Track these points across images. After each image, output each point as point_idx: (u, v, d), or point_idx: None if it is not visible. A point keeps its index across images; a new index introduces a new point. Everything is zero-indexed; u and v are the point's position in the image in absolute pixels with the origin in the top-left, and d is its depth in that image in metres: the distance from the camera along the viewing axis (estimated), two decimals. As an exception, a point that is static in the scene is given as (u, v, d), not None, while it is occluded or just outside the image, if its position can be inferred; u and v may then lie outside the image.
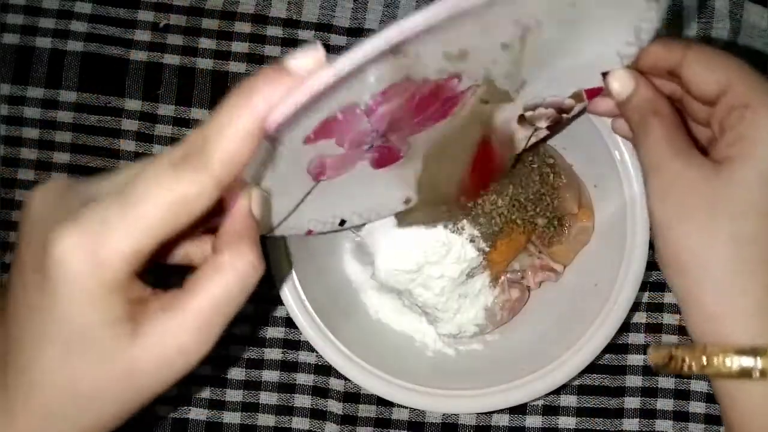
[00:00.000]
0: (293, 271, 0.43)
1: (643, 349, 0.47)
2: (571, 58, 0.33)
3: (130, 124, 0.48)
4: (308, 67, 0.25)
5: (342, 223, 0.39)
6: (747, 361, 0.27)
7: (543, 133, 0.38)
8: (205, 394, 0.47)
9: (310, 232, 0.39)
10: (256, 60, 0.48)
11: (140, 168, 0.26)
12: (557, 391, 0.44)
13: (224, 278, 0.26)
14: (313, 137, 0.28)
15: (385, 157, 0.34)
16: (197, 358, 0.27)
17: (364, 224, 0.41)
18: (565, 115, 0.37)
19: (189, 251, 0.31)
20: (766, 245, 0.28)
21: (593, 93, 0.35)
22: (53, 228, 0.25)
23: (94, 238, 0.24)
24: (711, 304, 0.29)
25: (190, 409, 0.47)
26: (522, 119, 0.37)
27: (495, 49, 0.30)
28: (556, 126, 0.38)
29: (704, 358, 0.28)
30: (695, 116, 0.33)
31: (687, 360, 0.29)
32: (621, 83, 0.33)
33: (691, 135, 0.33)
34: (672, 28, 0.47)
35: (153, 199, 0.25)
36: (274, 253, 0.43)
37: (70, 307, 0.25)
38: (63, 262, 0.24)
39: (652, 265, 0.46)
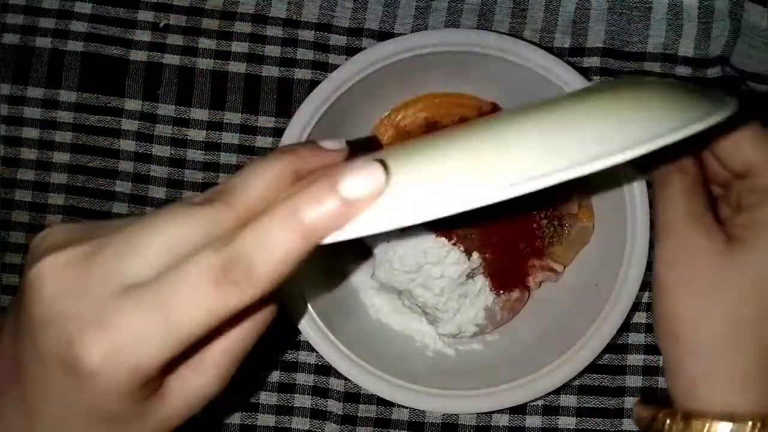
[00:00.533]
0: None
1: (643, 349, 0.47)
2: None
3: (130, 124, 0.48)
4: (365, 196, 0.23)
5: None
6: (724, 428, 0.28)
7: None
8: (205, 394, 0.47)
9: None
10: (256, 60, 0.48)
11: (169, 251, 0.24)
12: (557, 391, 0.44)
13: (244, 326, 0.27)
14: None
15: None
16: (215, 395, 0.28)
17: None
18: None
19: None
20: (759, 329, 0.29)
21: None
22: (81, 328, 0.24)
23: (131, 352, 0.24)
24: (696, 372, 0.30)
25: (190, 409, 0.47)
26: None
27: None
28: None
29: (683, 423, 0.29)
30: (714, 177, 0.33)
31: (668, 423, 0.30)
32: None
33: (709, 192, 0.33)
34: (672, 28, 0.47)
35: (192, 317, 0.24)
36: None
37: (102, 402, 0.25)
38: (96, 373, 0.24)
39: (652, 265, 0.46)
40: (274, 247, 0.23)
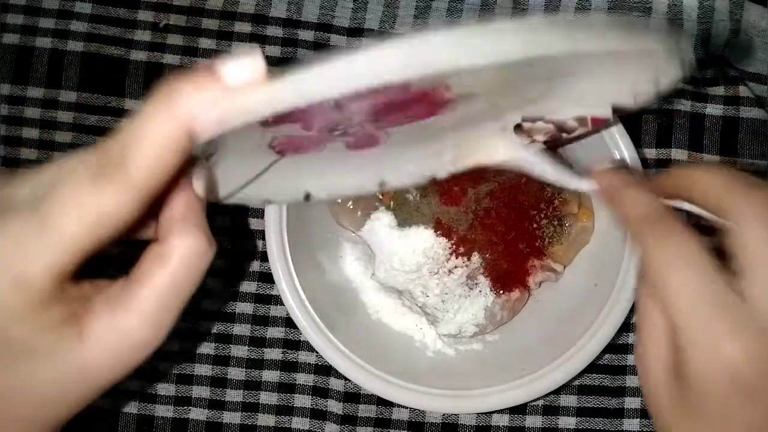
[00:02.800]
0: (293, 271, 0.43)
1: (643, 349, 0.47)
2: (585, 84, 0.32)
3: (130, 124, 0.48)
4: (244, 80, 0.22)
5: (307, 197, 0.37)
6: None
7: (537, 146, 0.37)
8: (205, 394, 0.47)
9: (268, 202, 0.38)
10: (256, 60, 0.48)
11: (56, 172, 0.24)
12: (557, 391, 0.44)
13: (168, 268, 0.25)
14: (272, 123, 0.26)
15: (361, 142, 0.32)
16: (150, 349, 0.26)
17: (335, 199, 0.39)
18: (564, 135, 0.36)
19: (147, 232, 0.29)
20: None
21: (598, 122, 0.35)
22: None
23: (11, 261, 0.23)
24: None
25: (190, 409, 0.47)
26: (519, 128, 0.36)
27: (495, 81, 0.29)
28: (553, 143, 0.37)
29: None
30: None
31: None
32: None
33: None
34: (672, 28, 0.47)
35: (71, 217, 0.23)
36: (273, 252, 0.43)
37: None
38: None
39: (652, 265, 0.46)
40: (148, 138, 0.22)
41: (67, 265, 0.24)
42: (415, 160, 0.37)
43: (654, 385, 0.29)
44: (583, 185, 0.33)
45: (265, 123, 0.25)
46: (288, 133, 0.29)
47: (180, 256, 0.25)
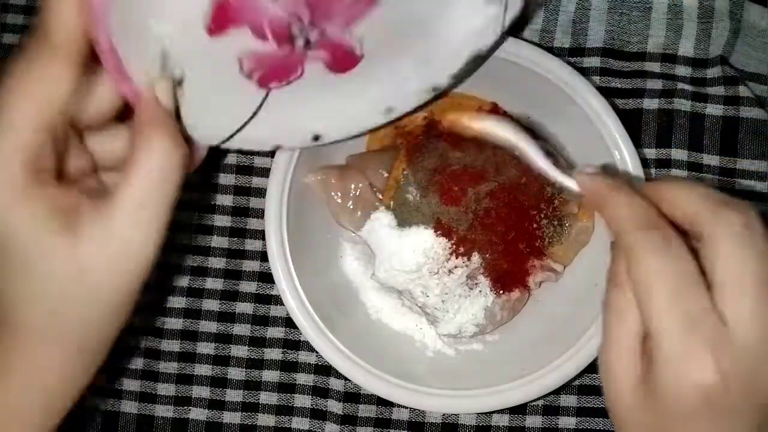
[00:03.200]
0: (293, 271, 0.43)
1: (643, 349, 0.47)
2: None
3: (130, 124, 0.48)
4: None
5: (316, 138, 0.36)
6: None
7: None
8: (205, 394, 0.47)
9: (278, 147, 0.37)
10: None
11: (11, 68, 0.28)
12: (557, 391, 0.44)
13: (144, 169, 0.28)
14: (214, 27, 0.26)
15: (339, 58, 0.32)
16: (147, 249, 0.29)
17: (344, 140, 0.38)
18: None
19: (105, 144, 0.32)
20: None
21: None
22: None
23: None
24: None
25: (190, 409, 0.47)
26: None
27: None
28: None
29: None
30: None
31: None
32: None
33: None
34: (672, 28, 0.47)
35: (20, 102, 0.27)
36: (273, 252, 0.43)
37: None
38: None
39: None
40: (58, 8, 0.26)
41: (30, 147, 0.26)
42: (410, 76, 0.36)
43: (620, 393, 0.29)
44: (569, 183, 0.33)
45: (209, 30, 0.27)
46: (246, 47, 0.29)
47: (152, 159, 0.28)
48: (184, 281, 0.48)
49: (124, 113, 0.31)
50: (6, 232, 0.27)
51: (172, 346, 0.47)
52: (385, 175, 0.45)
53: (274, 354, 0.47)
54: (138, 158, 0.28)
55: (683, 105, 0.47)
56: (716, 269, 0.27)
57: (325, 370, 0.47)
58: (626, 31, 0.48)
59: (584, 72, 0.47)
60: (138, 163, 0.28)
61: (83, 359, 0.30)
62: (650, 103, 0.47)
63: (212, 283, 0.48)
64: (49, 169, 0.28)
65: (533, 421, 0.47)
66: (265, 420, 0.47)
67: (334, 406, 0.47)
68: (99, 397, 0.47)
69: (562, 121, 0.44)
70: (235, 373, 0.47)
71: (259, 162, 0.48)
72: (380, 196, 0.45)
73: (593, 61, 0.48)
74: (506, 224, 0.43)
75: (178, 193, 0.29)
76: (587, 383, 0.47)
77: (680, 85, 0.47)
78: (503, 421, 0.47)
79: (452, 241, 0.43)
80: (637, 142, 0.46)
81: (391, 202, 0.45)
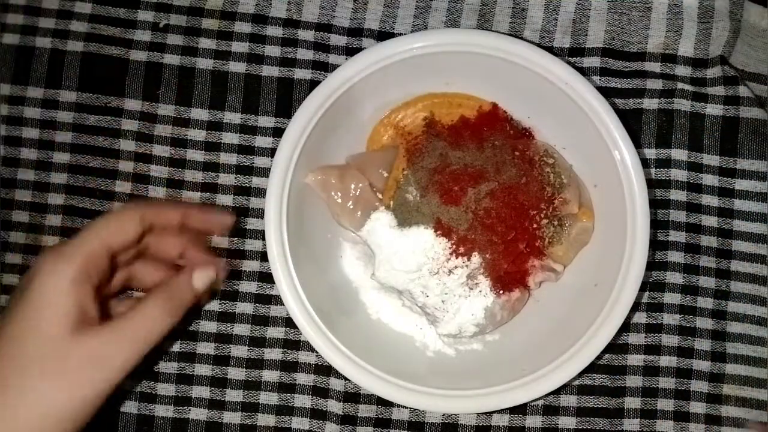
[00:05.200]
0: (293, 271, 0.43)
1: (643, 349, 0.47)
2: None
3: (130, 124, 0.48)
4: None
5: None
6: None
7: None
8: (205, 394, 0.47)
9: None
10: (256, 60, 0.48)
11: None
12: (557, 391, 0.44)
13: (138, 323, 0.37)
14: None
15: None
16: (120, 367, 0.36)
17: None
18: None
19: (137, 272, 0.42)
20: None
21: None
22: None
23: (58, 249, 0.36)
24: None
25: (190, 409, 0.47)
26: None
27: None
28: None
29: None
30: None
31: None
32: None
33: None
34: (672, 28, 0.47)
35: (90, 231, 0.37)
36: (273, 252, 0.43)
37: (39, 302, 0.35)
38: (37, 268, 0.36)
39: (652, 265, 0.46)
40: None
41: (91, 251, 0.37)
42: None
43: None
44: None
45: None
46: None
47: (149, 321, 0.37)
48: (184, 281, 0.48)
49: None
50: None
51: (172, 346, 0.47)
52: (385, 174, 0.45)
53: (274, 354, 0.47)
54: (141, 313, 0.37)
55: (683, 105, 0.47)
56: None
57: (325, 370, 0.47)
58: (626, 31, 0.48)
59: (584, 72, 0.47)
60: (139, 316, 0.37)
61: None
62: (650, 103, 0.47)
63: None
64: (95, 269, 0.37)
65: (533, 421, 0.47)
66: (265, 420, 0.47)
67: (334, 406, 0.47)
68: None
69: (562, 121, 0.44)
70: (235, 373, 0.47)
71: (259, 162, 0.48)
72: (380, 196, 0.45)
73: (593, 61, 0.48)
74: (506, 224, 0.43)
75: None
76: (587, 383, 0.47)
77: (680, 85, 0.47)
78: (503, 421, 0.47)
79: (452, 242, 0.43)
80: (637, 142, 0.46)
81: (391, 202, 0.45)
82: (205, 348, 0.47)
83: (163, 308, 0.37)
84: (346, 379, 0.45)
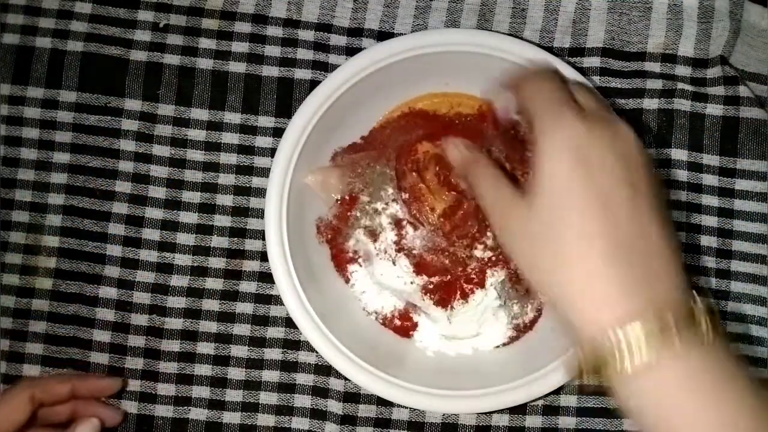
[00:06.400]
0: (293, 271, 0.43)
1: (643, 349, 0.47)
2: None
3: (130, 124, 0.48)
4: None
5: None
6: (631, 330, 0.31)
7: None
8: (205, 394, 0.47)
9: None
10: (256, 60, 0.48)
11: None
12: (557, 391, 0.44)
13: None
14: None
15: None
16: None
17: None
18: None
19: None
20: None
21: None
22: None
23: None
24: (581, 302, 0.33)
25: (190, 409, 0.47)
26: None
27: None
28: None
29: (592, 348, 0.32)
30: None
31: (581, 357, 0.33)
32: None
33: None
34: (672, 28, 0.47)
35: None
36: (273, 252, 0.43)
37: None
38: None
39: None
40: None
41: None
42: None
43: (502, 210, 0.35)
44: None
45: None
46: None
47: None
48: (184, 281, 0.48)
49: None
50: None
51: (172, 346, 0.47)
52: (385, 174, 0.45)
53: (274, 354, 0.47)
54: None
55: (683, 105, 0.47)
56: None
57: (325, 370, 0.47)
58: (626, 31, 0.48)
59: (584, 72, 0.47)
60: None
61: None
62: (650, 103, 0.47)
63: (212, 283, 0.48)
64: None
65: (533, 421, 0.47)
66: (265, 420, 0.47)
67: (334, 406, 0.47)
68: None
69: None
70: (235, 373, 0.47)
71: (259, 162, 0.48)
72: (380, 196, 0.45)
73: (593, 61, 0.48)
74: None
75: None
76: (587, 383, 0.47)
77: (680, 85, 0.47)
78: (503, 421, 0.47)
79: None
80: (637, 142, 0.46)
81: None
82: (205, 348, 0.47)
83: None
84: (346, 379, 0.45)
